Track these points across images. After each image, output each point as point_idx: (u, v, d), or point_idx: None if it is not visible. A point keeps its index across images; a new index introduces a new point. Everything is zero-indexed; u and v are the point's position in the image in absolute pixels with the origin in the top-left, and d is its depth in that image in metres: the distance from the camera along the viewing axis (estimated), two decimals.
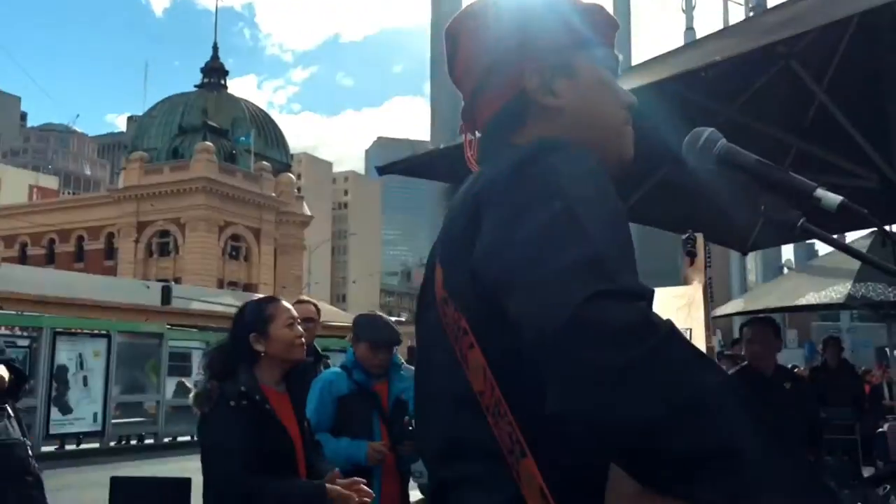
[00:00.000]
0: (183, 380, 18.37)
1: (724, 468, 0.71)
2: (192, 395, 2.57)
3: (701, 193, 3.89)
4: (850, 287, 7.71)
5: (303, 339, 2.68)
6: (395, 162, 3.54)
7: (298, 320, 2.72)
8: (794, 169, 3.81)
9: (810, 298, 8.62)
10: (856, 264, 7.77)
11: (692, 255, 1.24)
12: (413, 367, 3.93)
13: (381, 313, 3.78)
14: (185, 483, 2.34)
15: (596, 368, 0.71)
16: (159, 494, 2.29)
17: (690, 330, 0.87)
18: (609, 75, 1.13)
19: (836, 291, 7.89)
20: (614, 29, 1.17)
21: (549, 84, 1.09)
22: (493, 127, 1.13)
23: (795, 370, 8.10)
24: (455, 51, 1.17)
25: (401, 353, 3.93)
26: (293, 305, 4.25)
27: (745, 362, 4.15)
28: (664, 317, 0.83)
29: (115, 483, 2.25)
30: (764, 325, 4.19)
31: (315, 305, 4.23)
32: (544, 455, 0.85)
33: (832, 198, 1.05)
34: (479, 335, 0.94)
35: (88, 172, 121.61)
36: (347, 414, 3.43)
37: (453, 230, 1.02)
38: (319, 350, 4.23)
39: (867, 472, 8.76)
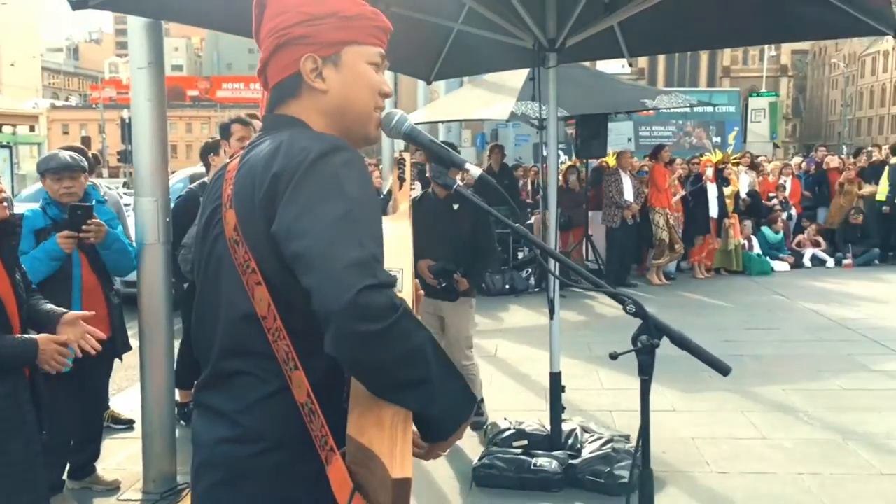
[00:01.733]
0: None
1: (420, 389, 1.20)
2: None
3: (393, 33, 4.27)
4: (513, 104, 8.86)
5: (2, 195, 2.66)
6: None
7: None
8: (468, 24, 4.30)
9: (482, 113, 9.72)
10: (519, 83, 8.88)
11: (402, 180, 1.55)
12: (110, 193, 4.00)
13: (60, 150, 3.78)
14: None
15: (361, 333, 1.13)
16: None
17: (403, 270, 1.19)
18: (369, 69, 1.43)
19: (502, 108, 9.00)
20: (386, 33, 1.47)
21: (320, 70, 1.40)
22: (277, 94, 1.44)
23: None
24: (261, 18, 1.45)
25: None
26: None
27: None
28: (388, 255, 1.27)
29: None
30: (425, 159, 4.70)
31: None
32: (311, 367, 1.26)
33: (475, 170, 1.51)
34: (268, 279, 1.27)
35: None
36: None
37: (252, 193, 1.29)
38: None
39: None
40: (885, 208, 11.26)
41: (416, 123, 1.54)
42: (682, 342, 1.41)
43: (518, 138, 20.54)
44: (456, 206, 4.42)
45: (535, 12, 3.84)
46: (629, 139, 18.71)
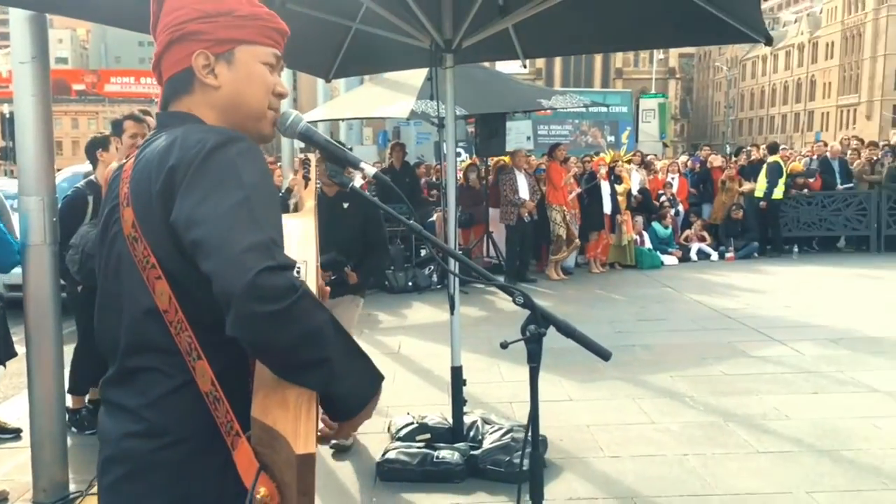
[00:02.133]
0: None
1: (322, 368, 1.23)
2: None
3: (291, 31, 4.25)
4: (413, 103, 8.94)
5: None
6: None
7: None
8: (366, 23, 4.33)
9: (382, 111, 9.76)
10: (419, 82, 8.97)
11: (307, 180, 1.62)
12: None
13: None
14: None
15: (260, 314, 1.14)
16: None
17: (306, 262, 1.22)
18: (263, 69, 1.46)
19: (402, 106, 9.06)
20: (282, 35, 1.50)
21: (212, 66, 1.42)
22: (170, 88, 1.46)
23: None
24: (159, 14, 1.46)
25: None
26: None
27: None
28: (292, 248, 1.31)
29: None
30: (321, 159, 4.63)
31: None
32: (214, 356, 1.28)
33: (370, 169, 1.55)
34: (168, 273, 1.29)
35: None
36: None
37: (149, 188, 1.31)
38: None
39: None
40: (762, 204, 12.00)
41: (316, 121, 1.58)
42: (566, 330, 1.51)
43: (419, 136, 20.65)
44: (346, 205, 4.37)
45: (431, 13, 3.91)
46: (528, 137, 19.15)
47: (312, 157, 1.75)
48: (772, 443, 4.31)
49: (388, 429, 4.47)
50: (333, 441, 1.43)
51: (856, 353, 6.14)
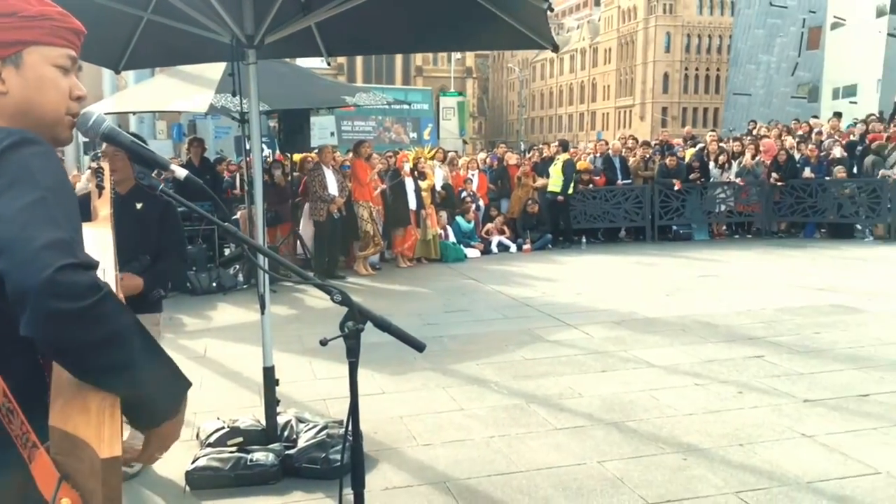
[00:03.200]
0: None
1: (125, 371, 1.20)
2: None
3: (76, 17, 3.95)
4: (212, 97, 8.62)
5: None
6: None
7: None
8: (160, 14, 4.12)
9: (178, 105, 9.31)
10: (217, 74, 8.66)
11: (101, 188, 1.53)
12: None
13: None
14: None
15: (60, 312, 1.10)
16: None
17: (105, 270, 1.18)
18: (55, 72, 1.38)
19: (200, 100, 8.71)
20: (78, 35, 1.41)
21: None
22: None
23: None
24: None
25: None
26: None
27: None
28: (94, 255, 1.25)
29: None
30: (118, 152, 3.87)
31: None
32: (5, 368, 1.20)
33: (181, 171, 1.53)
34: None
35: None
36: None
37: None
38: None
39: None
40: (559, 198, 12.87)
41: (104, 114, 1.52)
42: (382, 325, 1.57)
43: (218, 130, 19.88)
44: (140, 205, 3.97)
45: (231, 8, 3.82)
46: (332, 133, 19.10)
47: (106, 165, 1.68)
48: (567, 419, 4.67)
49: (197, 435, 4.31)
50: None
51: (636, 333, 6.80)
